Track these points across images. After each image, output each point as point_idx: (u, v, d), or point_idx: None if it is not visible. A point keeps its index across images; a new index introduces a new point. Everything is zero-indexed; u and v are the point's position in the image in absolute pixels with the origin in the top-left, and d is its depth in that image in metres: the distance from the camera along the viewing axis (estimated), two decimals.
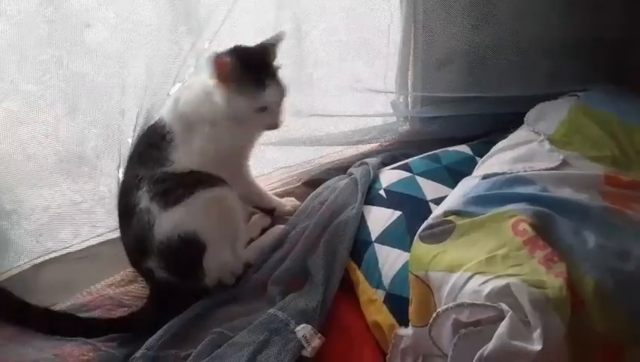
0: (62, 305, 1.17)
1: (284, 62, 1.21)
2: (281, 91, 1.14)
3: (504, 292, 0.81)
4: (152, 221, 1.11)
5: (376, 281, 1.08)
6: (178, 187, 1.12)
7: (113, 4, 1.19)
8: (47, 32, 1.16)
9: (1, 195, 1.22)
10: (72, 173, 1.31)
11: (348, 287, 1.14)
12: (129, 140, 1.27)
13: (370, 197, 1.24)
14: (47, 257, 1.31)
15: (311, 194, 1.34)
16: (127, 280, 1.23)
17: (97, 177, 1.33)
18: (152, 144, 1.18)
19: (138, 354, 1.03)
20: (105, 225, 1.35)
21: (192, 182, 1.13)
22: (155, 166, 1.14)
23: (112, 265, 1.28)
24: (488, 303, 0.80)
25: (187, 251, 1.11)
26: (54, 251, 1.32)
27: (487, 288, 0.82)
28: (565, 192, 1.01)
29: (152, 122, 1.23)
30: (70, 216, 1.33)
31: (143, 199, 1.13)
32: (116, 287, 1.21)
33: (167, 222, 1.10)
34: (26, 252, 1.28)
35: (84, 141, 1.29)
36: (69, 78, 1.21)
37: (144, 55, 1.25)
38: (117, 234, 1.34)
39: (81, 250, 1.34)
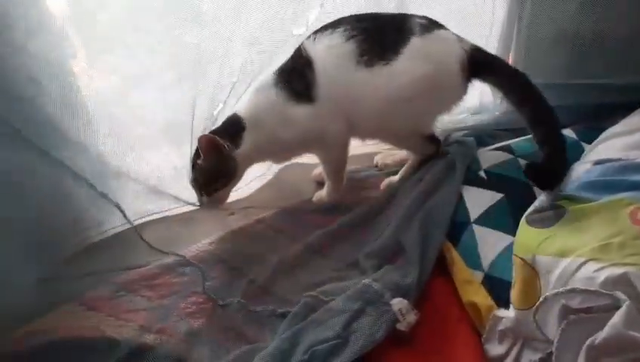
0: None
1: None
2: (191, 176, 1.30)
3: (621, 281, 0.78)
4: None
5: (473, 262, 1.06)
6: None
7: None
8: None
9: (111, 155, 1.28)
10: (176, 139, 1.36)
11: (442, 267, 1.13)
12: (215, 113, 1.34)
13: (469, 177, 1.21)
14: (149, 218, 1.38)
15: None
16: (225, 238, 1.28)
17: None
18: None
19: (235, 300, 1.09)
20: None
21: None
22: None
23: (212, 226, 1.33)
24: (603, 291, 0.78)
25: None
26: (156, 213, 1.39)
27: (603, 275, 0.79)
28: None
29: None
30: (173, 181, 1.38)
31: None
32: (215, 244, 1.26)
33: None
34: (131, 212, 1.34)
35: (189, 112, 1.33)
36: (180, 48, 1.26)
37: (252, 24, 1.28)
38: None
39: (181, 213, 1.41)
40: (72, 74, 1.17)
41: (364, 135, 1.33)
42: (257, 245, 1.25)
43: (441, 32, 1.23)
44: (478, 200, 1.15)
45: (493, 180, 1.19)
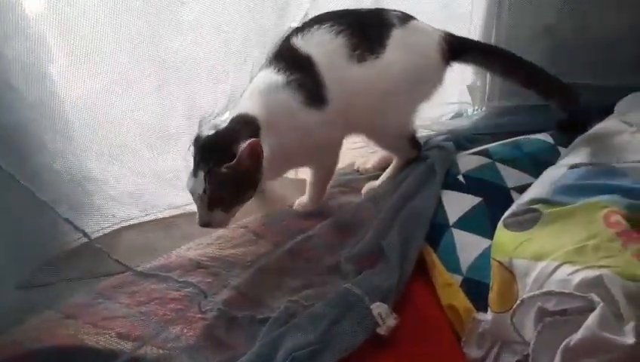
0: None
1: None
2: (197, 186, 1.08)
3: (595, 283, 0.79)
4: None
5: (452, 266, 1.08)
6: None
7: None
8: (141, 5, 1.18)
9: (90, 161, 1.26)
10: (156, 146, 1.33)
11: (422, 270, 1.14)
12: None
13: (448, 181, 1.23)
14: (127, 223, 1.36)
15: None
16: (204, 243, 1.26)
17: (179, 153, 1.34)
18: None
19: (216, 306, 1.07)
20: (183, 199, 1.36)
21: None
22: None
23: (190, 233, 1.31)
24: (578, 293, 0.79)
25: None
26: (133, 218, 1.37)
27: (577, 278, 0.81)
28: None
29: None
30: (153, 186, 1.36)
31: None
32: (194, 250, 1.24)
33: None
34: (109, 216, 1.32)
35: (169, 117, 1.31)
36: (160, 54, 1.24)
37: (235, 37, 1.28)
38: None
39: (160, 219, 1.38)
40: (50, 79, 1.16)
41: (353, 131, 1.31)
42: (238, 250, 1.24)
43: (416, 22, 1.27)
44: (457, 204, 1.16)
45: (471, 184, 1.20)
